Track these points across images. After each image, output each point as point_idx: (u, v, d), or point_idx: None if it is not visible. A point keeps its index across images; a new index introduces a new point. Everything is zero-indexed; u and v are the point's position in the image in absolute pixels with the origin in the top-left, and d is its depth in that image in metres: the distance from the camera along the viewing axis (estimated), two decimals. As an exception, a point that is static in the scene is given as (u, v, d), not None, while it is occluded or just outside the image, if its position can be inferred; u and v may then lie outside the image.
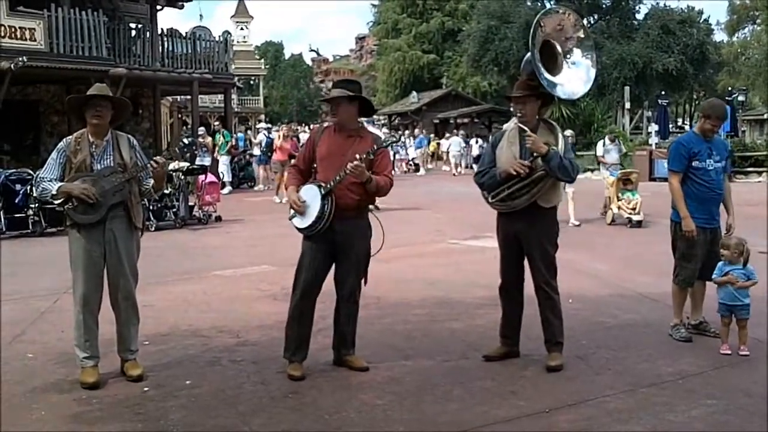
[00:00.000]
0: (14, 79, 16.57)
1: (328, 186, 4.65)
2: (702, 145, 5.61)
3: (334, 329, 5.04)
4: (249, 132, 35.18)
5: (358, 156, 4.59)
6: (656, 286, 7.05)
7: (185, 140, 5.75)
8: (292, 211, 4.81)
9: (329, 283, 4.94)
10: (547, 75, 4.94)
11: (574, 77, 5.17)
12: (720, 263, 5.35)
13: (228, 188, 18.26)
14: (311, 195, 4.72)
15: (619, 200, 12.35)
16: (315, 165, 4.84)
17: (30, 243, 11.04)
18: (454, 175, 26.91)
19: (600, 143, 13.80)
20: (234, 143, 20.75)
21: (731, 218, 5.78)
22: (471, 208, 12.95)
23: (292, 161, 5.10)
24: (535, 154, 4.79)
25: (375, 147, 4.78)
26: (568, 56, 5.16)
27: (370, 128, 16.35)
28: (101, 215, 4.61)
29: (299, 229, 4.81)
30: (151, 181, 4.86)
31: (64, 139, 4.81)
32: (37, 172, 4.89)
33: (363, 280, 4.98)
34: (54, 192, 4.58)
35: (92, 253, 4.63)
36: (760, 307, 5.70)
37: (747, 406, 4.26)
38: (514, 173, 4.79)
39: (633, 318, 6.23)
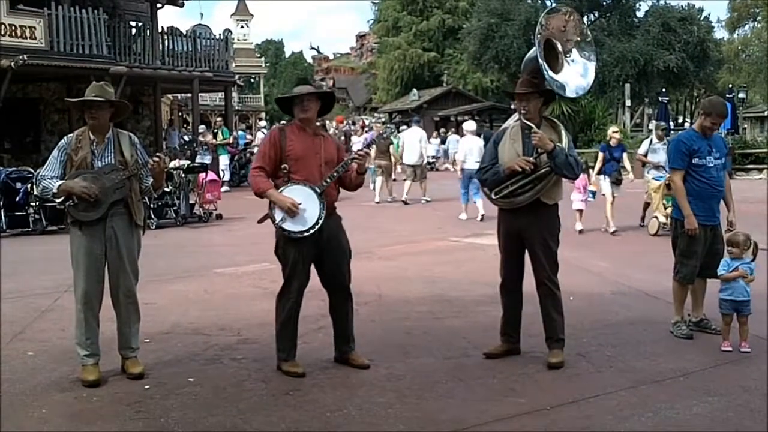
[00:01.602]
0: (15, 78, 16.58)
1: (324, 184, 4.64)
2: (702, 143, 5.60)
3: (334, 326, 5.03)
4: (250, 131, 35.08)
5: (356, 152, 4.81)
6: (657, 284, 7.05)
7: (185, 138, 5.77)
8: (280, 216, 4.61)
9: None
10: (554, 76, 4.94)
11: (574, 73, 5.17)
12: (726, 259, 5.33)
13: (225, 187, 18.23)
14: (303, 196, 4.62)
15: (666, 208, 10.37)
16: (285, 165, 4.69)
17: (31, 241, 11.04)
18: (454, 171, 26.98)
19: (646, 141, 12.01)
20: (232, 141, 20.72)
21: (732, 214, 5.78)
22: (471, 205, 12.97)
23: (257, 164, 4.79)
24: (539, 151, 4.79)
25: (367, 140, 4.96)
26: (569, 55, 5.17)
27: (416, 128, 16.46)
28: (102, 213, 4.61)
29: (293, 233, 4.63)
30: (151, 179, 4.87)
31: (65, 137, 4.80)
32: (38, 171, 4.88)
33: None
34: (55, 190, 4.57)
35: (93, 251, 4.63)
36: (760, 305, 5.70)
37: (748, 403, 4.26)
38: (519, 170, 4.78)
39: (634, 315, 6.23)
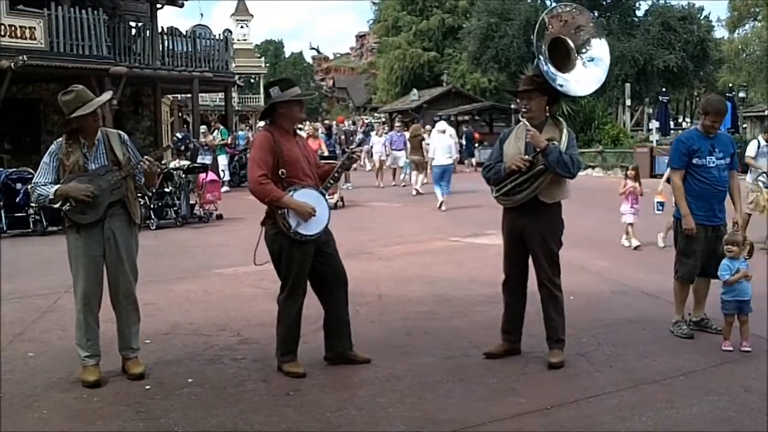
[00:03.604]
0: (15, 78, 16.59)
1: (328, 185, 4.71)
2: (703, 142, 5.59)
3: (334, 329, 4.97)
4: (250, 131, 35.12)
5: (349, 153, 5.03)
6: (657, 283, 7.05)
7: (178, 134, 5.79)
8: (295, 222, 4.60)
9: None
10: (551, 68, 4.92)
11: (586, 77, 5.12)
12: (726, 261, 5.32)
13: (225, 187, 18.23)
14: (313, 199, 4.67)
15: None
16: (283, 171, 4.65)
17: (31, 242, 11.04)
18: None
19: (753, 143, 10.21)
20: (230, 141, 20.73)
21: (738, 215, 5.76)
22: (472, 206, 12.98)
23: (260, 172, 4.64)
24: (537, 149, 4.80)
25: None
26: (584, 51, 5.11)
27: (443, 125, 17.88)
28: (100, 214, 4.59)
29: (306, 236, 4.65)
30: (143, 179, 4.83)
31: (55, 142, 4.73)
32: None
33: None
34: (51, 196, 4.53)
35: (92, 253, 4.61)
36: (760, 304, 5.70)
37: (748, 403, 4.26)
38: (515, 168, 4.80)
39: (634, 315, 6.22)
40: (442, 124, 16.27)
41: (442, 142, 15.14)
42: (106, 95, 4.93)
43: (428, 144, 17.83)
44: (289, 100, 4.75)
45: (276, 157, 4.65)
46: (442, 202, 14.53)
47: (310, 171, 4.82)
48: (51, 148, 4.72)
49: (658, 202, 10.25)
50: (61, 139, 4.73)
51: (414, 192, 17.50)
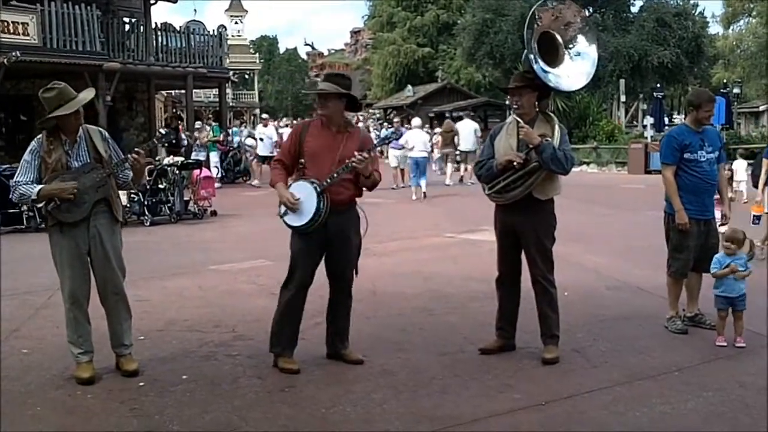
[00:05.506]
0: (8, 74, 16.53)
1: (324, 184, 4.61)
2: (693, 137, 5.61)
3: (329, 324, 5.02)
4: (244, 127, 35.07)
5: (358, 153, 4.60)
6: (652, 279, 7.04)
7: (161, 130, 5.75)
8: (283, 209, 4.70)
9: (324, 277, 4.93)
10: (542, 63, 4.92)
11: (575, 71, 5.13)
12: (718, 255, 5.34)
13: (217, 183, 18.16)
14: (305, 192, 4.63)
15: None
16: (302, 160, 4.73)
17: (25, 239, 10.98)
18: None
19: None
20: (222, 139, 20.65)
21: (725, 208, 5.79)
22: (467, 202, 12.98)
23: (277, 157, 4.93)
24: (530, 146, 4.79)
25: (374, 142, 4.94)
26: (571, 46, 5.12)
27: (468, 120, 18.28)
28: (86, 213, 4.54)
29: (292, 227, 4.73)
30: (130, 174, 4.74)
31: (35, 139, 4.63)
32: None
33: (355, 272, 4.98)
34: (35, 196, 4.46)
35: (77, 251, 4.57)
36: (758, 300, 5.71)
37: (743, 398, 4.27)
38: (510, 165, 4.79)
39: (629, 310, 6.24)
40: (416, 120, 18.47)
41: (417, 138, 16.90)
42: (89, 93, 4.75)
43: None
44: (317, 94, 4.85)
45: (297, 146, 4.79)
46: (423, 193, 15.86)
47: (332, 167, 4.64)
48: (32, 145, 4.60)
49: (754, 215, 8.89)
50: (41, 135, 4.63)
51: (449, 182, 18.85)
